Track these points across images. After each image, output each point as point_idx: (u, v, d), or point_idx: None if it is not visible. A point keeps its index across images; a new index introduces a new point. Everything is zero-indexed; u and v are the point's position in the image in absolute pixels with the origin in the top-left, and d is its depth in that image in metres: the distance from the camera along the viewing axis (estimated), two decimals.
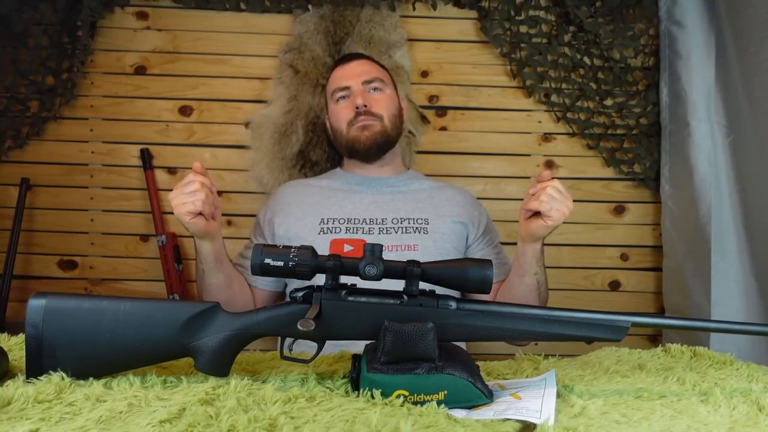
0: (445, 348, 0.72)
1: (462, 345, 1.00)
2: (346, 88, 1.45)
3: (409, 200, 1.43)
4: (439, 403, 0.66)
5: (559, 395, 0.71)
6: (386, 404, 0.66)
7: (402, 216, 1.35)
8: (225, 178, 2.22)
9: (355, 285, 0.76)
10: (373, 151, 1.43)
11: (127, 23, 2.17)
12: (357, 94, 1.42)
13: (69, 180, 2.18)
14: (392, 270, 0.72)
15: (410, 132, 2.08)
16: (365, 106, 1.40)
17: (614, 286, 2.28)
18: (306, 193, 1.49)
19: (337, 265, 0.72)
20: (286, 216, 1.43)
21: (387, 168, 1.51)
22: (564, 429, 0.59)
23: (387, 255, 0.90)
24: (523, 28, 2.18)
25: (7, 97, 2.10)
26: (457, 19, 2.22)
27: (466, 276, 0.71)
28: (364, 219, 1.34)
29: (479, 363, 0.90)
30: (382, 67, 1.57)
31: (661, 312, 2.21)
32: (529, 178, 2.25)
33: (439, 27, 2.22)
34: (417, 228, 1.31)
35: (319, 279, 0.72)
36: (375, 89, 1.46)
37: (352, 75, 1.46)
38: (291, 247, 0.72)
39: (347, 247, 1.27)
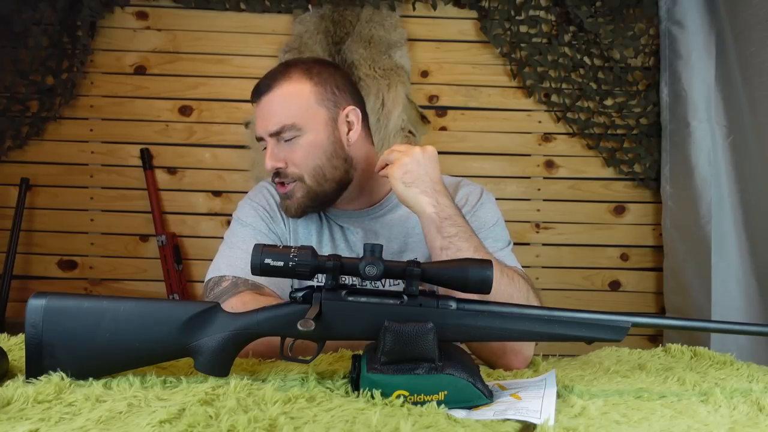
0: (445, 348, 0.72)
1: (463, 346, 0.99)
2: (260, 138, 1.12)
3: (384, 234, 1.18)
4: (439, 403, 0.66)
5: (559, 395, 0.71)
6: (386, 404, 0.66)
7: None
8: (225, 178, 2.22)
9: (356, 285, 0.75)
10: (298, 214, 1.13)
11: (127, 23, 2.17)
12: (267, 153, 1.10)
13: (69, 180, 2.18)
14: (392, 270, 0.72)
15: (410, 132, 2.08)
16: (277, 168, 1.09)
17: (614, 286, 2.28)
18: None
19: (337, 265, 0.72)
20: None
21: (363, 198, 1.19)
22: (564, 429, 0.59)
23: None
24: (523, 28, 2.18)
25: (7, 97, 2.10)
26: (457, 19, 2.22)
27: (466, 276, 0.71)
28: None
29: (479, 363, 0.90)
30: (310, 81, 1.13)
31: (661, 312, 2.21)
32: (529, 178, 2.25)
33: (439, 27, 2.22)
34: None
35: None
36: (287, 140, 1.10)
37: (260, 122, 1.12)
38: (291, 247, 0.72)
39: None
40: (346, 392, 0.71)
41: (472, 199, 1.17)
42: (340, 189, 1.14)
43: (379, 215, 1.17)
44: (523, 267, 1.12)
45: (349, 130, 1.14)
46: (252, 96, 1.16)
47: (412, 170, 1.01)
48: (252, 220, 1.13)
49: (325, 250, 1.14)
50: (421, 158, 1.03)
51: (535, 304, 0.96)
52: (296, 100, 1.11)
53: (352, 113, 1.15)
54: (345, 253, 1.15)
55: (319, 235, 1.16)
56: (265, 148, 1.11)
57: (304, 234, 1.16)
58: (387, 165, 1.03)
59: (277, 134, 1.09)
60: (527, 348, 0.94)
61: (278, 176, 1.10)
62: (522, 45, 2.18)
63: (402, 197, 1.01)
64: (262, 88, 1.13)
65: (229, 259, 1.07)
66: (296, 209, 1.11)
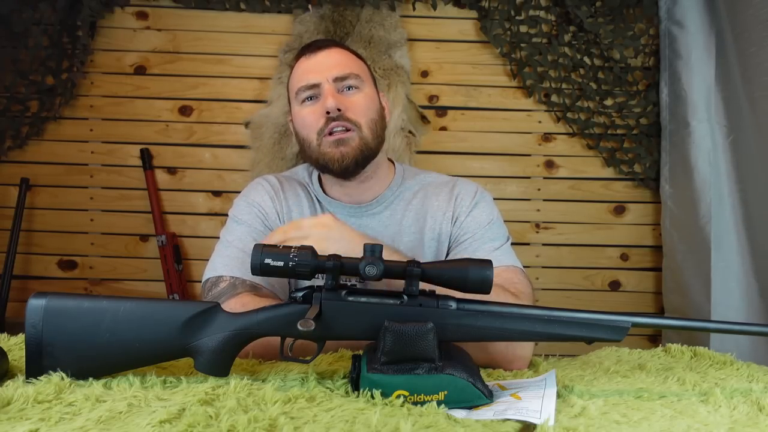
0: (445, 348, 0.72)
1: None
2: (314, 86, 1.11)
3: (389, 233, 1.17)
4: (439, 403, 0.66)
5: (559, 395, 0.71)
6: (386, 404, 0.66)
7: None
8: (225, 178, 2.22)
9: (356, 285, 0.75)
10: (351, 168, 1.12)
11: (127, 23, 2.17)
12: (327, 94, 1.09)
13: (69, 180, 2.18)
14: (392, 270, 0.72)
15: (410, 132, 2.08)
16: (339, 110, 1.09)
17: (614, 286, 2.28)
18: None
19: (337, 265, 0.72)
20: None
21: (370, 182, 1.18)
22: (564, 429, 0.59)
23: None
24: (523, 28, 2.18)
25: (7, 97, 2.10)
26: (457, 19, 2.22)
27: (466, 276, 0.71)
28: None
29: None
30: (358, 56, 1.21)
31: (661, 312, 2.21)
32: (529, 178, 2.25)
33: (439, 27, 2.22)
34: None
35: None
36: (350, 88, 1.12)
37: (320, 69, 1.11)
38: (291, 247, 0.72)
39: None
40: (346, 392, 0.71)
41: (465, 200, 1.16)
42: (374, 155, 1.16)
43: (375, 212, 1.17)
44: (523, 267, 1.12)
45: (383, 111, 1.20)
46: (305, 49, 1.18)
47: (338, 240, 0.93)
48: (247, 217, 1.13)
49: None
50: (329, 231, 0.95)
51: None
52: (356, 60, 1.18)
53: (384, 99, 1.22)
54: None
55: None
56: (308, 98, 1.12)
57: None
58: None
59: (341, 79, 1.12)
60: (526, 349, 0.94)
61: (336, 120, 1.09)
62: (522, 45, 2.18)
63: None
64: (319, 44, 1.17)
65: (225, 259, 1.07)
66: (353, 157, 1.10)
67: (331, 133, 1.10)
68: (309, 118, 1.12)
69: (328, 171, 1.14)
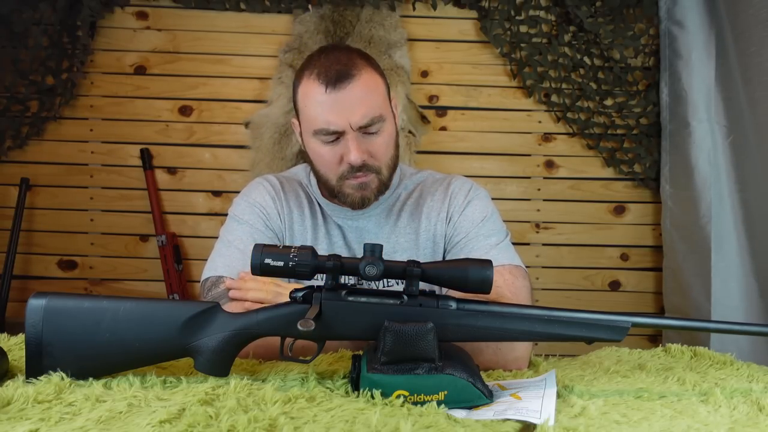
0: (445, 348, 0.72)
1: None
2: (336, 132, 1.04)
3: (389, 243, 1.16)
4: (439, 403, 0.66)
5: (559, 395, 0.71)
6: (386, 404, 0.66)
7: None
8: (225, 178, 2.22)
9: (355, 285, 0.75)
10: (369, 204, 1.11)
11: (127, 23, 2.17)
12: (352, 148, 1.03)
13: (69, 180, 2.18)
14: (392, 270, 0.72)
15: (410, 132, 2.08)
16: (362, 161, 1.05)
17: (614, 286, 2.28)
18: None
19: (337, 265, 0.72)
20: None
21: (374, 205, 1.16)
22: (564, 429, 0.59)
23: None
24: (523, 28, 2.18)
25: (7, 97, 2.10)
26: (457, 19, 2.22)
27: (466, 276, 0.71)
28: None
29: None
30: (377, 72, 1.10)
31: (661, 312, 2.21)
32: (529, 178, 2.25)
33: (439, 27, 2.22)
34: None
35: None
36: (374, 133, 1.06)
37: (343, 113, 1.02)
38: (291, 246, 0.72)
39: None
40: (346, 392, 0.71)
41: (458, 198, 1.15)
42: (390, 185, 1.14)
43: (372, 214, 1.16)
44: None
45: (396, 126, 1.15)
46: (323, 81, 1.03)
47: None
48: (248, 217, 1.12)
49: (321, 247, 1.14)
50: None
51: None
52: (377, 90, 1.08)
53: (394, 104, 1.16)
54: (341, 250, 1.15)
55: (315, 232, 1.15)
56: (329, 141, 1.05)
57: (300, 231, 1.15)
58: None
59: (365, 127, 1.04)
60: (525, 349, 0.93)
61: (360, 170, 1.06)
62: (522, 45, 2.18)
63: None
64: (341, 76, 1.03)
65: (226, 259, 1.06)
66: (373, 198, 1.10)
67: (352, 177, 1.07)
68: (327, 158, 1.07)
69: (344, 205, 1.13)
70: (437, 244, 1.15)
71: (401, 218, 1.17)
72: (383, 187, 1.11)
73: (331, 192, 1.12)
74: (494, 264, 1.04)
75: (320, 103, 1.03)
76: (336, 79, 1.02)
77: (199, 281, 1.12)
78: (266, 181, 1.19)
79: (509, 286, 1.03)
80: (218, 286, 1.03)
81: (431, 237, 1.15)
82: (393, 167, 1.13)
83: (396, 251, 1.14)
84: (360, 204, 1.10)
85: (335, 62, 1.04)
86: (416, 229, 1.16)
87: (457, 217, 1.13)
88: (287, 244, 1.13)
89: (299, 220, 1.15)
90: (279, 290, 0.93)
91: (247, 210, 1.13)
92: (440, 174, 1.24)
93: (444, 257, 1.15)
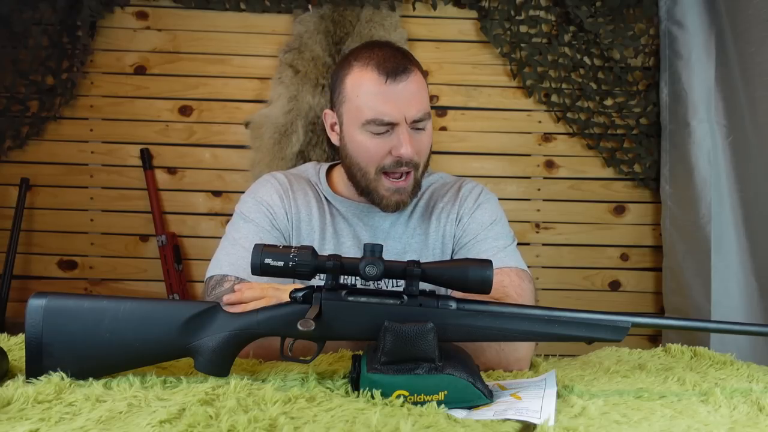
0: (445, 348, 0.72)
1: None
2: (390, 123, 1.04)
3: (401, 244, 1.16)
4: (439, 403, 0.66)
5: (559, 395, 0.71)
6: (386, 404, 0.66)
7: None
8: (225, 178, 2.22)
9: (356, 285, 0.75)
10: (403, 209, 1.13)
11: (127, 23, 2.17)
12: (404, 141, 1.03)
13: (69, 180, 2.18)
14: (392, 270, 0.72)
15: None
16: (411, 157, 1.05)
17: (614, 286, 2.28)
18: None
19: (337, 265, 0.72)
20: None
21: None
22: (564, 429, 0.59)
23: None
24: (523, 28, 2.18)
25: (7, 97, 2.10)
26: (457, 19, 2.22)
27: (466, 276, 0.71)
28: None
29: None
30: (422, 72, 1.11)
31: (661, 312, 2.21)
32: (529, 178, 2.25)
33: (439, 27, 2.22)
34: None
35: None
36: (421, 129, 1.07)
37: (399, 105, 1.03)
38: (291, 246, 0.72)
39: None
40: (346, 392, 0.71)
41: (469, 201, 1.16)
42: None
43: (384, 213, 1.15)
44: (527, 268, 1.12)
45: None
46: (382, 71, 1.04)
47: None
48: (255, 215, 1.12)
49: (328, 246, 1.14)
50: None
51: None
52: (426, 89, 1.10)
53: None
54: (350, 248, 1.15)
55: (322, 231, 1.15)
56: (380, 133, 1.05)
57: (307, 230, 1.14)
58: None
59: (418, 121, 1.06)
60: (527, 349, 0.94)
61: (404, 165, 1.06)
62: (522, 45, 2.18)
63: None
64: (400, 70, 1.04)
65: (231, 257, 1.06)
66: (397, 203, 1.10)
67: (390, 174, 1.07)
68: (374, 150, 1.06)
69: (376, 205, 1.12)
70: (446, 245, 1.16)
71: (412, 219, 1.17)
72: (417, 188, 1.12)
73: (363, 189, 1.11)
74: (501, 266, 1.06)
75: (376, 94, 1.03)
76: (395, 71, 1.03)
77: (199, 281, 1.12)
78: (274, 178, 1.18)
79: (515, 287, 1.04)
80: (222, 284, 1.03)
81: (440, 238, 1.16)
82: (425, 168, 1.14)
83: (406, 252, 1.15)
84: (395, 207, 1.10)
85: (392, 56, 1.05)
86: (426, 229, 1.16)
87: (467, 219, 1.14)
88: (294, 243, 1.13)
89: (306, 218, 1.15)
90: (278, 294, 0.92)
91: (253, 208, 1.13)
92: (450, 176, 1.26)
93: (451, 258, 1.15)
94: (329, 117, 1.15)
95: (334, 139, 1.15)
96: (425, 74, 1.13)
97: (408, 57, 1.09)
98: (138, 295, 2.16)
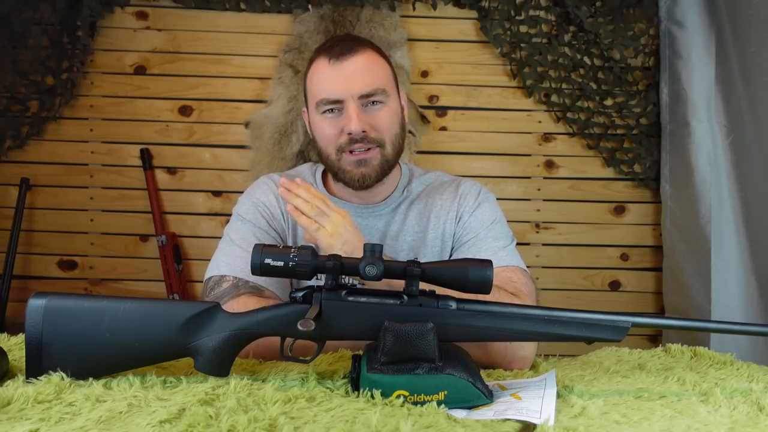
0: (445, 348, 0.72)
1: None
2: (337, 101, 1.06)
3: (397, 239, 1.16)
4: (439, 403, 0.66)
5: (559, 395, 0.71)
6: (386, 404, 0.66)
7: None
8: (225, 178, 2.22)
9: (356, 285, 0.75)
10: (371, 185, 1.11)
11: (127, 23, 2.17)
12: (352, 115, 1.04)
13: (69, 180, 2.18)
14: (392, 270, 0.72)
15: (410, 132, 2.08)
16: (363, 132, 1.05)
17: (614, 286, 2.28)
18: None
19: (337, 265, 0.72)
20: None
21: (380, 187, 1.16)
22: (564, 429, 0.59)
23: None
24: (523, 28, 2.18)
25: (7, 97, 2.10)
26: (457, 19, 2.22)
27: (466, 276, 0.71)
28: None
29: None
30: (383, 56, 1.14)
31: (661, 312, 2.21)
32: (529, 178, 2.25)
33: (439, 27, 2.22)
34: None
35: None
36: (375, 103, 1.08)
37: (344, 83, 1.05)
38: (291, 247, 0.73)
39: None
40: (346, 392, 0.71)
41: (469, 200, 1.16)
42: (393, 167, 1.15)
43: (382, 213, 1.17)
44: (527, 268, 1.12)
45: (404, 118, 1.18)
46: (328, 50, 1.09)
47: (348, 240, 0.94)
48: (252, 216, 1.12)
49: None
50: (346, 224, 0.96)
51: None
52: (382, 68, 1.12)
53: (403, 98, 1.19)
54: None
55: None
56: (329, 110, 1.07)
57: (303, 231, 1.15)
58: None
59: (366, 96, 1.07)
60: (528, 349, 0.94)
61: (359, 141, 1.07)
62: (522, 45, 2.18)
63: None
64: (344, 50, 1.07)
65: (229, 258, 1.06)
66: (375, 177, 1.10)
67: (351, 151, 1.08)
68: (329, 131, 1.08)
69: (345, 184, 1.13)
70: (445, 243, 1.16)
71: (410, 218, 1.17)
72: (386, 165, 1.11)
73: (334, 173, 1.13)
74: (505, 264, 1.06)
75: (323, 75, 1.08)
76: (340, 53, 1.07)
77: (199, 281, 1.13)
78: (270, 180, 1.19)
79: (523, 284, 1.04)
80: (221, 285, 1.03)
81: (440, 236, 1.16)
82: (398, 147, 1.14)
83: (404, 250, 1.15)
84: (360, 181, 1.10)
85: (340, 42, 1.11)
86: (425, 228, 1.16)
87: (467, 218, 1.14)
88: (290, 243, 1.13)
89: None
90: (323, 210, 0.93)
91: (250, 209, 1.13)
92: (448, 175, 1.26)
93: (450, 256, 1.15)
94: (305, 114, 1.19)
95: (310, 133, 1.18)
96: (387, 57, 1.16)
97: (360, 41, 1.12)
98: (138, 295, 2.15)
